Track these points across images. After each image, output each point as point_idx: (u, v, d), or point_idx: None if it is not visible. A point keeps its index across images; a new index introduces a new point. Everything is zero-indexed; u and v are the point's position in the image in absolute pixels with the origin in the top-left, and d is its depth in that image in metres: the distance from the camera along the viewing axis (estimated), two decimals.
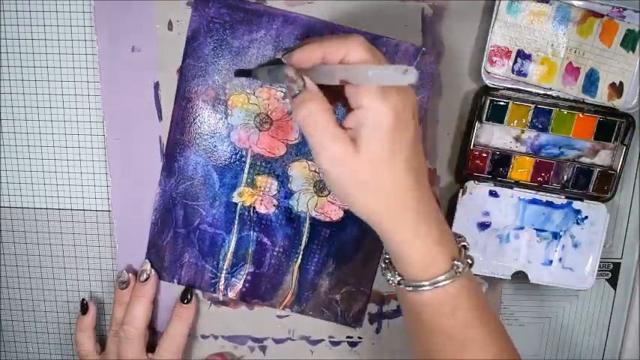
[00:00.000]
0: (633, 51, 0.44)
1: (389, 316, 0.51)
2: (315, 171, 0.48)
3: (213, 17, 0.45)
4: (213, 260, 0.50)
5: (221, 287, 0.50)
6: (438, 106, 0.47)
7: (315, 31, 0.45)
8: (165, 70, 0.46)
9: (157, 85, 0.47)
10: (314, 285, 0.50)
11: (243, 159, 0.48)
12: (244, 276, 0.50)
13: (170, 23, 0.46)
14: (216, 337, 0.52)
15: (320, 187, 0.48)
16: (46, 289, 0.52)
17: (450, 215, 0.48)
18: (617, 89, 0.45)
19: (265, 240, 0.49)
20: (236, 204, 0.48)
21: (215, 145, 0.47)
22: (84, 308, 0.49)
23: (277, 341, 0.52)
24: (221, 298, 0.51)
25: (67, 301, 0.52)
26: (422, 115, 0.47)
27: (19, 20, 0.46)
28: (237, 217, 0.49)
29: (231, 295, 0.50)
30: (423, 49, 0.45)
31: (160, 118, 0.47)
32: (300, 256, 0.49)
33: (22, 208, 0.50)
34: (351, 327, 0.51)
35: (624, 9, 0.43)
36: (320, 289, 0.50)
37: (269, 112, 0.47)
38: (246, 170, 0.48)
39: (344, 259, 0.49)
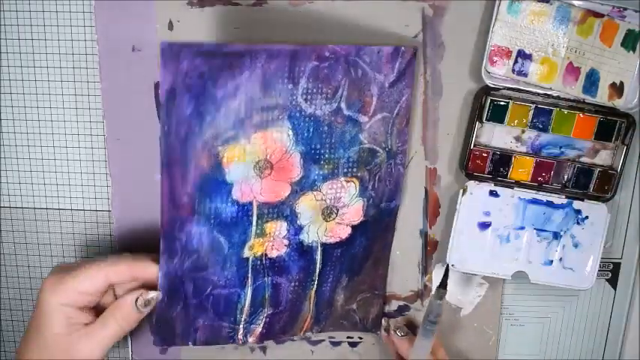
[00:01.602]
0: (634, 51, 0.44)
1: (389, 316, 0.51)
2: (322, 199, 0.45)
3: (188, 71, 0.38)
4: (230, 317, 0.47)
5: (240, 337, 0.48)
6: (438, 106, 0.47)
7: (301, 57, 0.41)
8: None
9: (157, 85, 0.47)
10: (330, 303, 0.49)
11: (249, 212, 0.43)
12: (263, 319, 0.48)
13: (170, 23, 0.46)
14: None
15: (327, 213, 0.46)
16: None
17: (450, 215, 0.48)
18: (617, 89, 0.45)
19: (280, 280, 0.47)
20: (247, 258, 0.45)
21: (217, 209, 0.42)
22: None
23: (277, 341, 0.52)
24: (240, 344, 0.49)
25: None
26: (408, 114, 0.45)
27: (19, 20, 0.46)
28: (250, 270, 0.46)
29: (251, 340, 0.49)
30: (402, 48, 0.43)
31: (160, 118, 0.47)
32: (316, 283, 0.48)
33: (22, 208, 0.50)
34: (372, 332, 0.51)
35: (624, 9, 0.43)
36: (337, 304, 0.49)
37: (268, 156, 0.42)
38: (254, 223, 0.44)
39: (356, 270, 0.49)
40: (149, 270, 0.43)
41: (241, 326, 0.48)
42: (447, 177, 0.49)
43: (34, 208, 0.50)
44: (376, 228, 0.48)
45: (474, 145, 0.47)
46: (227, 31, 0.46)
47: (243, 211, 0.43)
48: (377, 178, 0.46)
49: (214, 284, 0.45)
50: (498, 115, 0.46)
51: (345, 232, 0.47)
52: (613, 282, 0.52)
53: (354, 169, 0.45)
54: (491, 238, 0.48)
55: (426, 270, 0.50)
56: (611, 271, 0.51)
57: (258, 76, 0.40)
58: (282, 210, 0.44)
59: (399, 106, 0.44)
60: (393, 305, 0.51)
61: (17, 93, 0.48)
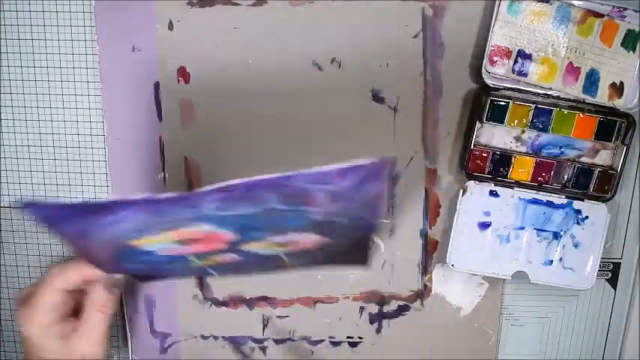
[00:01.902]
0: (634, 51, 0.44)
1: (389, 316, 0.51)
2: (274, 243, 0.39)
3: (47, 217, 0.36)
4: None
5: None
6: (438, 106, 0.47)
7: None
8: (166, 70, 0.46)
9: (157, 85, 0.47)
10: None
11: (185, 259, 0.40)
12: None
13: (170, 23, 0.46)
14: (216, 338, 0.52)
15: (282, 243, 0.40)
16: None
17: (450, 215, 0.48)
18: (617, 89, 0.45)
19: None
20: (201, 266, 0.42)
21: (147, 262, 0.40)
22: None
23: (277, 341, 0.52)
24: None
25: None
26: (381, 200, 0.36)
27: (19, 20, 0.46)
28: (207, 271, 0.44)
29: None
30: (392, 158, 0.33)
31: (160, 118, 0.47)
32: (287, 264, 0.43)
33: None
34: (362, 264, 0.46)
35: (624, 9, 0.43)
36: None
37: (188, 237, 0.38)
38: (194, 260, 0.41)
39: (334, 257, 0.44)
40: (97, 270, 0.44)
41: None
42: (447, 177, 0.49)
43: None
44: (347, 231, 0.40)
45: (474, 145, 0.47)
46: (227, 31, 0.46)
47: (176, 259, 0.40)
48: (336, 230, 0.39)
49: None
50: (498, 115, 0.46)
51: (309, 243, 0.40)
52: (613, 282, 0.52)
53: (307, 232, 0.38)
54: (491, 238, 0.48)
55: (426, 270, 0.50)
56: (611, 271, 0.51)
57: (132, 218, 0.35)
58: (224, 252, 0.40)
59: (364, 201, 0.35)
60: (393, 305, 0.51)
61: (17, 93, 0.48)
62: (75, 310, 0.45)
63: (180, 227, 0.36)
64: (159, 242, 0.38)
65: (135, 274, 0.46)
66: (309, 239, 0.39)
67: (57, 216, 0.35)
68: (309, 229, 0.37)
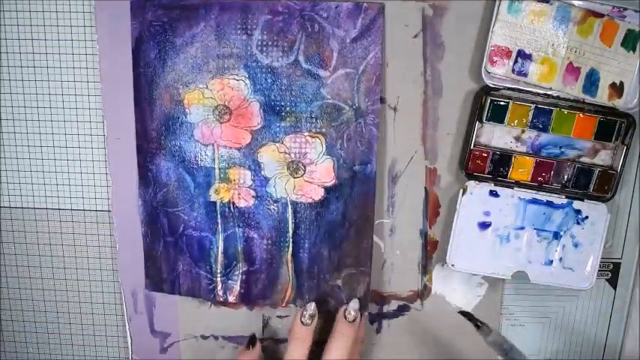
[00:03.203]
0: (634, 51, 0.44)
1: (389, 316, 0.51)
2: (285, 152, 0.47)
3: (152, 21, 0.45)
4: (206, 265, 0.49)
5: (220, 292, 0.50)
6: (438, 106, 0.47)
7: (253, 11, 0.44)
8: None
9: None
10: (312, 274, 0.49)
11: (211, 155, 0.47)
12: (239, 276, 0.49)
13: None
14: (216, 338, 0.52)
15: (294, 168, 0.47)
16: (46, 289, 0.52)
17: (450, 215, 0.48)
18: (617, 89, 0.45)
19: (252, 234, 0.48)
20: (215, 202, 0.48)
21: (181, 147, 0.47)
22: (251, 342, 0.48)
23: (277, 341, 0.52)
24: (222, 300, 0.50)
25: (67, 301, 0.52)
26: (377, 72, 0.45)
27: (19, 20, 0.46)
28: (219, 216, 0.48)
29: (231, 299, 0.50)
30: (364, 4, 0.44)
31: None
32: (291, 244, 0.49)
33: (22, 208, 0.50)
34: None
35: (624, 9, 0.43)
36: (319, 277, 0.49)
37: (226, 102, 0.46)
38: (216, 166, 0.47)
39: (336, 239, 0.48)
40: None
41: (219, 279, 0.49)
42: (447, 177, 0.49)
43: (34, 208, 0.50)
44: (353, 194, 0.47)
45: (474, 145, 0.47)
46: None
47: (205, 154, 0.47)
48: (345, 136, 0.46)
49: (185, 224, 0.48)
50: (498, 115, 0.46)
51: (317, 194, 0.47)
52: (613, 282, 0.52)
53: (319, 125, 0.46)
54: (491, 238, 0.48)
55: (425, 270, 0.50)
56: (611, 271, 0.51)
57: (213, 27, 0.45)
58: (244, 158, 0.47)
59: (365, 62, 0.45)
60: (393, 305, 0.51)
61: (17, 93, 0.48)
62: None
63: (225, 73, 0.45)
64: (200, 104, 0.46)
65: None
66: (321, 170, 0.47)
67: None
68: (319, 112, 0.46)
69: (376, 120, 0.46)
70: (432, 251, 0.50)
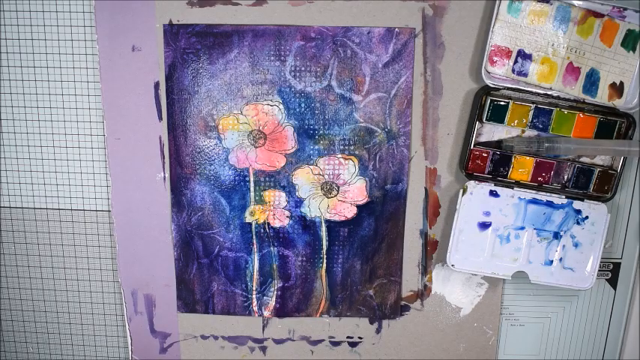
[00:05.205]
0: (634, 51, 0.44)
1: (389, 316, 0.51)
2: (319, 174, 0.48)
3: (185, 48, 0.45)
4: (241, 283, 0.50)
5: (255, 308, 0.50)
6: (439, 106, 0.47)
7: (286, 37, 0.45)
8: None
9: (157, 85, 0.47)
10: (345, 286, 0.50)
11: (246, 178, 0.48)
12: (275, 292, 0.50)
13: (170, 23, 0.46)
14: (216, 338, 0.52)
15: (328, 189, 0.48)
16: (46, 289, 0.52)
17: (450, 215, 0.48)
18: (617, 89, 0.45)
19: (287, 252, 0.49)
20: (250, 224, 0.49)
21: (216, 172, 0.48)
22: None
23: (277, 341, 0.52)
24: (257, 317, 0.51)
25: (67, 301, 0.52)
26: (408, 95, 0.46)
27: (19, 20, 0.46)
28: (254, 236, 0.49)
29: (266, 313, 0.51)
30: (396, 29, 0.45)
31: (160, 118, 0.47)
32: (325, 261, 0.50)
33: (22, 208, 0.50)
34: (390, 319, 0.51)
35: (625, 9, 0.43)
36: (352, 289, 0.50)
37: (260, 127, 0.47)
38: (251, 189, 0.48)
39: (368, 253, 0.50)
40: None
41: (254, 296, 0.50)
42: (447, 177, 0.49)
43: (34, 208, 0.50)
44: (384, 210, 0.49)
45: (474, 145, 0.47)
46: None
47: (240, 177, 0.48)
48: (377, 158, 0.47)
49: (221, 245, 0.49)
50: (498, 115, 0.46)
51: (350, 212, 0.48)
52: (613, 282, 0.52)
53: (352, 147, 0.47)
54: (491, 238, 0.48)
55: (425, 270, 0.50)
56: (611, 271, 0.52)
57: (246, 53, 0.46)
58: (279, 180, 0.48)
59: (396, 86, 0.46)
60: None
61: (17, 93, 0.48)
62: None
63: (259, 99, 0.46)
64: (235, 129, 0.47)
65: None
66: (354, 190, 0.48)
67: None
68: (352, 134, 0.47)
69: (407, 141, 0.47)
70: (432, 251, 0.50)
